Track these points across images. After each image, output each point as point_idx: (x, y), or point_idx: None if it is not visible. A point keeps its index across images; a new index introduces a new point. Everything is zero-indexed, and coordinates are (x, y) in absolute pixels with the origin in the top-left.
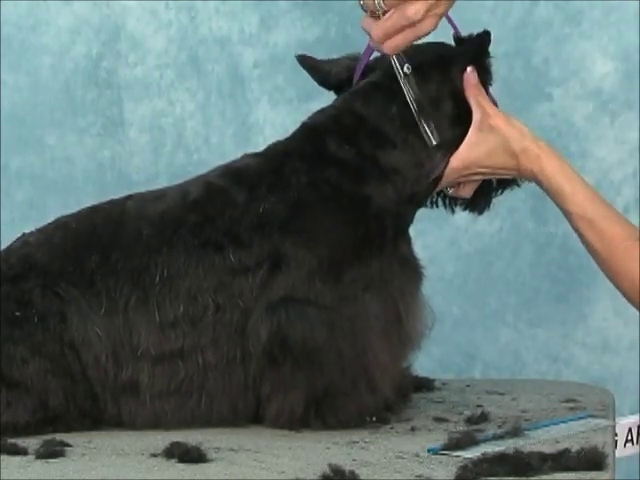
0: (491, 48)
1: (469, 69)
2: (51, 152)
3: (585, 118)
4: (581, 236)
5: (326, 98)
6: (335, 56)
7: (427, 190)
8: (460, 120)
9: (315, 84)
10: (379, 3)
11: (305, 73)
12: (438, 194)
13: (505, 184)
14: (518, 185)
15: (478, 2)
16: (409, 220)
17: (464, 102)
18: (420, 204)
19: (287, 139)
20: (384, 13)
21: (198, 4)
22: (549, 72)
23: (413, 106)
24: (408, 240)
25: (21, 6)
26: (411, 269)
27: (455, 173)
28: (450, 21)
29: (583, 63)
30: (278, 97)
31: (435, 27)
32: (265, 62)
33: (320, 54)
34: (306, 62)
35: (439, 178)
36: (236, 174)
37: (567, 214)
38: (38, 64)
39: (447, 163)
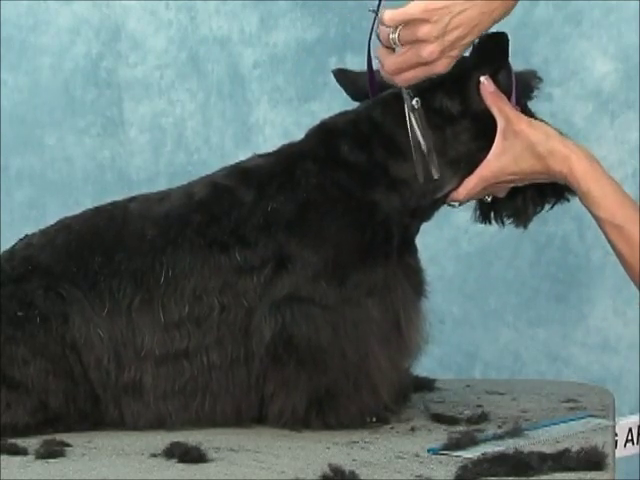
0: None
1: (482, 78)
2: (51, 152)
3: (585, 118)
4: (610, 242)
5: (326, 99)
6: (335, 57)
7: (433, 205)
8: (477, 136)
9: (314, 84)
10: (393, 39)
11: (305, 72)
12: (484, 207)
13: (554, 199)
14: (568, 200)
15: None
16: (414, 232)
17: (483, 117)
18: (424, 218)
19: (302, 140)
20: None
21: (198, 4)
22: (549, 72)
23: (414, 140)
24: (414, 250)
25: (21, 6)
26: (415, 279)
27: (485, 182)
28: None
29: (583, 63)
30: (278, 97)
31: (448, 68)
32: (265, 62)
33: (320, 54)
34: (343, 79)
35: (449, 193)
36: (244, 174)
37: (596, 219)
38: (38, 64)
39: (461, 180)
